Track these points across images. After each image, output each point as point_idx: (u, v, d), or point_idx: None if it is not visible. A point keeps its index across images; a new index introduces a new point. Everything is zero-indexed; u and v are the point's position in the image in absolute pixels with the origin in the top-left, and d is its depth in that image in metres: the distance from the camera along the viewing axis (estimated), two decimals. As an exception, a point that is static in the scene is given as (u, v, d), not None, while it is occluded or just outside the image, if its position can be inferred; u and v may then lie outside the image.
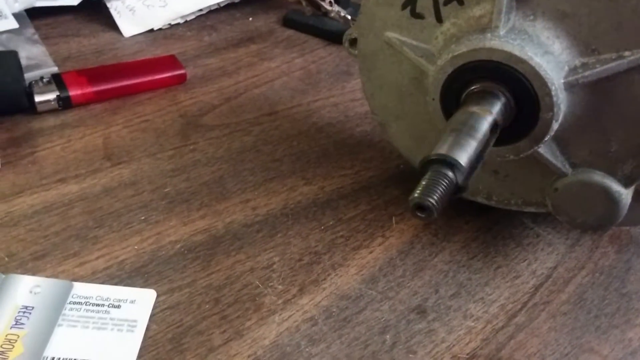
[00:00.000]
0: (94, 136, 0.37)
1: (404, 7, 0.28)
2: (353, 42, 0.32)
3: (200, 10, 0.50)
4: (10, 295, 0.26)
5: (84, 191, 0.33)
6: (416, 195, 0.22)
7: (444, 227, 0.33)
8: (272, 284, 0.29)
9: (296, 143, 0.38)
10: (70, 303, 0.27)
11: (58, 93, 0.38)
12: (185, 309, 0.27)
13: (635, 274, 0.31)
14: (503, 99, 0.26)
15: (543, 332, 0.28)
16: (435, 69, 0.27)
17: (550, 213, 0.30)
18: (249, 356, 0.26)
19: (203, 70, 0.44)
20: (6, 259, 0.29)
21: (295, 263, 0.30)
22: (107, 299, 0.27)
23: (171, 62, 0.43)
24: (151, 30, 0.48)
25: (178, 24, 0.49)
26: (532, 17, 0.26)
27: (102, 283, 0.28)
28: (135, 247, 0.30)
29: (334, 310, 0.28)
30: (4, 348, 0.24)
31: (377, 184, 0.35)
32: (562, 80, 0.26)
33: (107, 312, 0.26)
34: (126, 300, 0.27)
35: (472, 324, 0.28)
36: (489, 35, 0.26)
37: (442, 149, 0.24)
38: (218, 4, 0.50)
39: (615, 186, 0.28)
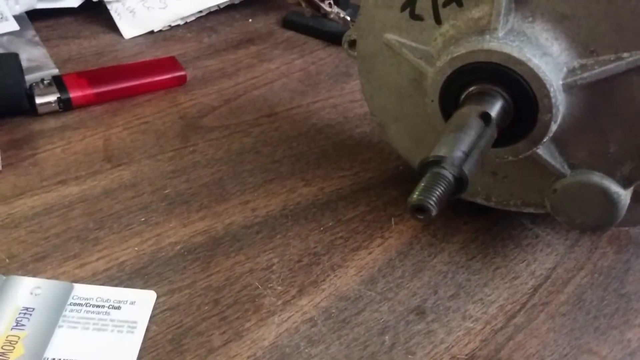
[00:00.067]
0: (95, 138, 0.37)
1: (403, 8, 0.29)
2: (352, 43, 0.32)
3: (200, 11, 0.50)
4: (10, 296, 0.26)
5: (85, 193, 0.33)
6: (415, 196, 0.22)
7: (443, 228, 0.33)
8: (271, 285, 0.29)
9: (295, 144, 0.38)
10: (70, 304, 0.27)
11: (59, 95, 0.38)
12: (185, 310, 0.28)
13: (634, 275, 0.31)
14: (502, 101, 0.26)
15: (542, 332, 0.28)
16: (434, 71, 0.27)
17: (549, 214, 0.30)
18: (248, 357, 0.26)
19: (203, 72, 0.44)
20: (7, 260, 0.29)
21: (294, 264, 0.30)
22: (107, 300, 0.27)
23: (171, 63, 0.43)
24: (151, 32, 0.48)
25: (178, 25, 0.49)
26: (530, 19, 0.26)
27: (103, 284, 0.28)
28: (135, 248, 0.30)
29: (333, 311, 0.28)
30: (4, 349, 0.24)
31: (376, 185, 0.35)
32: (561, 82, 0.26)
33: (107, 313, 0.26)
34: (126, 301, 0.27)
35: (471, 324, 0.28)
36: (487, 36, 0.26)
37: (441, 151, 0.24)
38: (218, 5, 0.51)
39: (614, 187, 0.28)
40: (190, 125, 0.39)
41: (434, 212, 0.22)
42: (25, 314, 0.26)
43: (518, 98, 0.26)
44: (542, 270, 0.31)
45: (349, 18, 0.46)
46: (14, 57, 0.39)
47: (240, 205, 0.33)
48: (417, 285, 0.30)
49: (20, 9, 0.45)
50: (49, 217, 0.32)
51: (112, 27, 0.47)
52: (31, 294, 0.27)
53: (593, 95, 0.26)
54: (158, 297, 0.28)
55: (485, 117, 0.25)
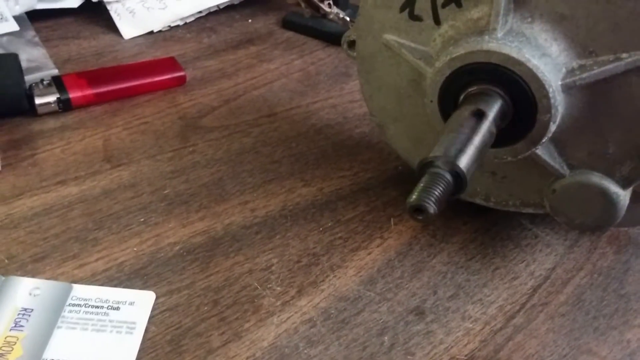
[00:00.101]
0: (94, 138, 0.37)
1: (402, 9, 0.29)
2: (351, 44, 0.32)
3: (200, 12, 0.50)
4: (9, 297, 0.26)
5: (84, 193, 0.33)
6: (414, 197, 0.22)
7: (443, 229, 0.33)
8: (270, 285, 0.29)
9: (295, 144, 0.38)
10: (69, 305, 0.27)
11: (58, 95, 0.38)
12: (184, 311, 0.28)
13: (634, 275, 0.31)
14: (501, 101, 0.26)
15: (541, 333, 0.28)
16: (433, 71, 0.27)
17: (548, 214, 0.30)
18: (247, 358, 0.26)
19: (202, 72, 0.44)
20: (6, 261, 0.29)
21: (293, 265, 0.30)
22: (106, 301, 0.27)
23: (171, 64, 0.43)
24: (151, 33, 0.48)
25: (177, 26, 0.49)
26: (529, 20, 0.26)
27: (102, 285, 0.28)
28: (135, 249, 0.30)
29: (333, 311, 0.28)
30: (3, 350, 0.24)
31: (375, 185, 0.35)
32: (560, 82, 0.26)
33: (106, 314, 0.26)
34: (125, 302, 0.27)
35: (471, 325, 0.28)
36: (486, 37, 0.26)
37: (440, 151, 0.24)
38: (217, 6, 0.51)
39: (613, 187, 0.28)
40: (189, 125, 0.39)
41: (432, 213, 0.22)
42: (24, 314, 0.26)
43: (517, 98, 0.26)
44: (542, 270, 0.31)
45: (348, 18, 0.46)
46: (14, 57, 0.39)
47: (239, 205, 0.33)
48: (417, 285, 0.30)
49: (20, 9, 0.45)
50: (48, 218, 0.32)
51: (111, 27, 0.47)
52: (30, 294, 0.27)
53: (592, 96, 0.26)
54: (157, 298, 0.28)
55: (479, 114, 0.25)
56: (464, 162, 0.23)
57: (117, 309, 0.27)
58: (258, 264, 0.30)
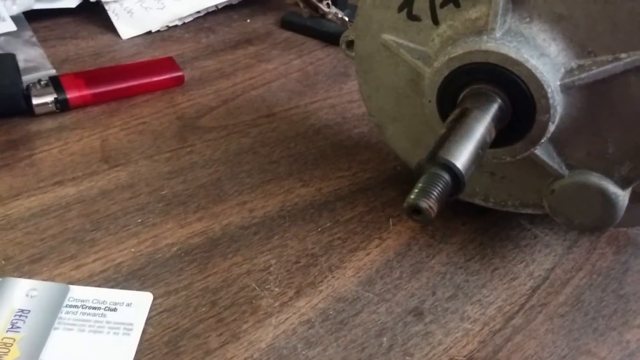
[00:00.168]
0: (92, 138, 0.37)
1: (400, 9, 0.28)
2: (350, 44, 0.32)
3: (198, 12, 0.50)
4: (6, 298, 0.26)
5: (81, 194, 0.33)
6: (412, 198, 0.22)
7: (441, 229, 0.33)
8: (268, 286, 0.29)
9: (293, 145, 0.38)
10: (66, 306, 0.27)
11: (56, 95, 0.38)
12: (182, 312, 0.27)
13: (633, 276, 0.31)
14: (499, 101, 0.26)
15: (540, 334, 0.28)
16: (431, 71, 0.27)
17: (547, 214, 0.30)
18: (245, 359, 0.26)
19: (201, 72, 0.44)
20: (3, 262, 0.29)
21: (292, 265, 0.30)
22: (103, 302, 0.27)
23: (169, 64, 0.43)
24: (149, 33, 0.48)
25: (176, 26, 0.49)
26: (528, 20, 0.26)
27: (99, 286, 0.28)
28: (132, 249, 0.30)
29: (331, 312, 0.28)
30: None
31: (374, 185, 0.35)
32: (558, 82, 0.26)
33: (103, 315, 0.26)
34: (122, 303, 0.27)
35: (469, 326, 0.28)
36: (485, 37, 0.26)
37: (439, 151, 0.24)
38: (216, 5, 0.50)
39: (612, 188, 0.28)
40: (187, 125, 0.39)
41: (431, 214, 0.22)
42: (20, 316, 0.26)
43: (515, 99, 0.26)
44: (541, 271, 0.31)
45: (347, 18, 0.46)
46: (11, 57, 0.39)
47: (237, 206, 0.33)
48: (415, 286, 0.30)
49: (17, 9, 0.45)
50: (45, 218, 0.31)
51: (109, 27, 0.47)
52: (27, 295, 0.27)
53: (591, 96, 0.26)
54: (154, 299, 0.28)
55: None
56: (462, 162, 0.23)
57: (115, 310, 0.27)
58: (256, 265, 0.30)
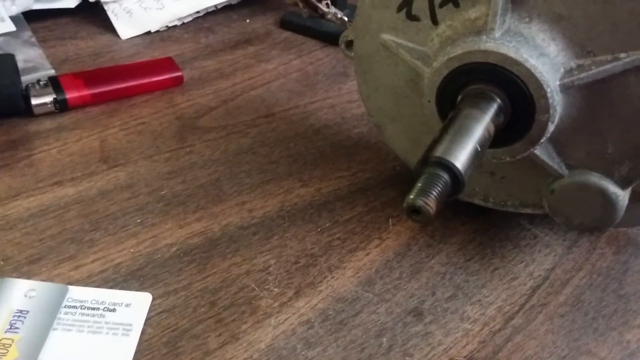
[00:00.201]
0: (91, 139, 0.37)
1: (399, 9, 0.28)
2: (349, 44, 0.32)
3: (198, 12, 0.50)
4: (4, 299, 0.26)
5: (80, 194, 0.33)
6: (411, 197, 0.22)
7: (441, 229, 0.33)
8: (268, 286, 0.29)
9: (293, 145, 0.38)
10: (65, 307, 0.27)
11: (55, 96, 0.38)
12: (181, 313, 0.27)
13: (633, 276, 0.31)
14: (499, 101, 0.26)
15: (540, 334, 0.28)
16: (430, 71, 0.27)
17: (547, 214, 0.30)
18: None
19: (200, 72, 0.44)
20: (1, 262, 0.29)
21: (291, 265, 0.30)
22: (102, 303, 0.27)
23: (168, 64, 0.43)
24: (148, 33, 0.48)
25: (175, 26, 0.49)
26: (527, 19, 0.26)
27: (98, 286, 0.28)
28: (131, 250, 0.30)
29: (330, 313, 0.28)
30: (-2, 352, 0.24)
31: (373, 185, 0.35)
32: (558, 82, 0.26)
33: (102, 315, 0.26)
34: (121, 303, 0.27)
35: (469, 326, 0.28)
36: (484, 37, 0.26)
37: (438, 151, 0.24)
38: (215, 5, 0.50)
39: (612, 188, 0.28)
40: (187, 126, 0.39)
41: (430, 214, 0.22)
42: (19, 316, 0.26)
43: (515, 99, 0.26)
44: (541, 271, 0.31)
45: (346, 18, 0.46)
46: (10, 57, 0.39)
47: (237, 206, 0.33)
48: (415, 286, 0.30)
49: (16, 9, 0.45)
50: (44, 219, 0.31)
51: (109, 27, 0.47)
52: (25, 296, 0.27)
53: (590, 96, 0.26)
54: (154, 299, 0.28)
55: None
56: (461, 162, 0.23)
57: (114, 310, 0.27)
58: (255, 265, 0.30)
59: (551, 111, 0.25)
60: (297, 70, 0.45)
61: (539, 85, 0.25)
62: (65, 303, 0.27)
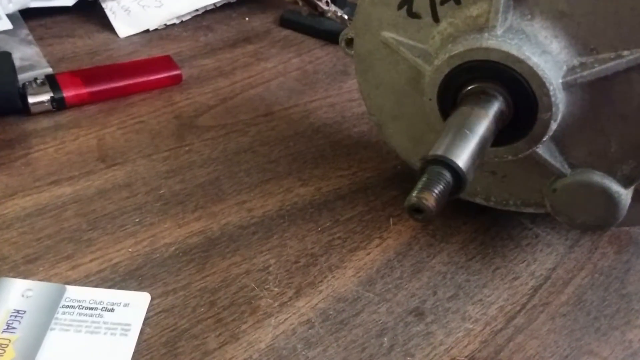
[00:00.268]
0: (88, 137, 0.37)
1: (400, 6, 0.28)
2: (349, 42, 0.32)
3: (196, 10, 0.50)
4: (1, 299, 0.26)
5: (78, 193, 0.33)
6: (413, 196, 0.22)
7: (442, 228, 0.33)
8: (268, 286, 0.29)
9: (293, 144, 0.38)
10: (62, 307, 0.26)
11: (52, 94, 0.38)
12: (180, 312, 0.27)
13: (635, 275, 0.31)
14: (500, 99, 0.26)
15: (542, 334, 0.28)
16: (432, 69, 0.27)
17: (549, 214, 0.30)
18: (244, 360, 0.26)
19: (199, 71, 0.44)
20: (-2, 262, 0.28)
21: (291, 265, 0.30)
22: (100, 303, 0.27)
23: (167, 62, 0.43)
24: (147, 31, 0.47)
25: (174, 24, 0.49)
26: (529, 17, 0.26)
27: (96, 286, 0.28)
28: (130, 249, 0.30)
29: (331, 312, 0.28)
30: (-5, 353, 0.24)
31: (374, 184, 0.35)
32: (561, 80, 0.25)
33: (100, 315, 0.26)
34: (120, 303, 0.27)
35: (471, 326, 0.28)
36: (486, 34, 0.25)
37: (440, 150, 0.23)
38: (214, 4, 0.50)
39: (615, 187, 0.27)
40: (185, 124, 0.39)
41: (432, 212, 0.22)
42: (16, 316, 0.25)
43: (517, 97, 0.25)
44: (542, 270, 0.31)
45: (346, 16, 0.46)
46: (7, 56, 0.38)
47: (236, 205, 0.33)
48: (416, 286, 0.30)
49: (13, 7, 0.45)
50: (41, 218, 0.31)
51: (107, 25, 0.47)
52: (22, 296, 0.26)
53: (593, 94, 0.26)
54: (152, 299, 0.27)
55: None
56: (463, 161, 0.23)
57: (112, 310, 0.26)
58: (255, 265, 0.30)
59: (554, 109, 0.25)
60: (297, 69, 0.45)
61: (542, 83, 0.25)
62: (62, 303, 0.26)
